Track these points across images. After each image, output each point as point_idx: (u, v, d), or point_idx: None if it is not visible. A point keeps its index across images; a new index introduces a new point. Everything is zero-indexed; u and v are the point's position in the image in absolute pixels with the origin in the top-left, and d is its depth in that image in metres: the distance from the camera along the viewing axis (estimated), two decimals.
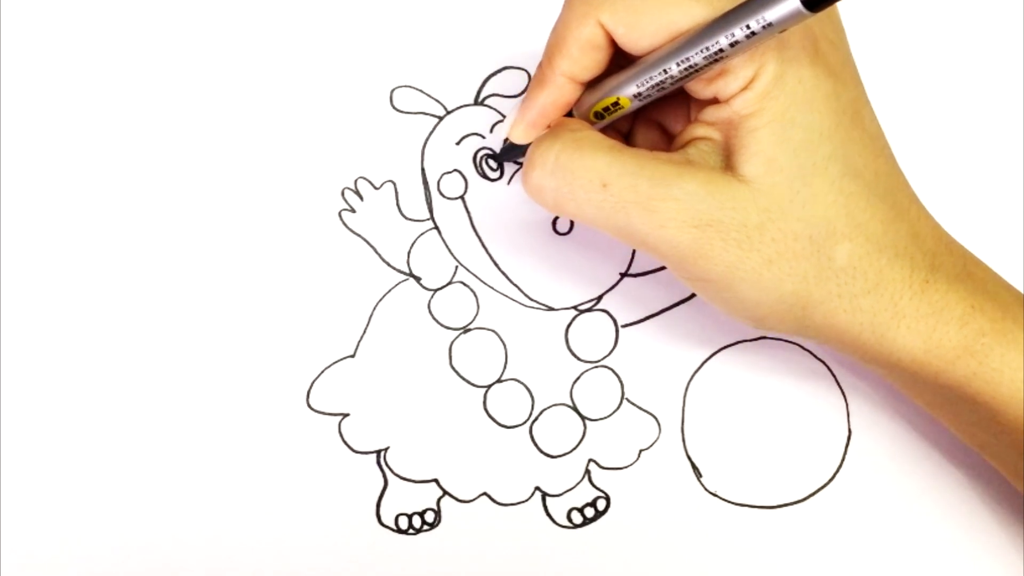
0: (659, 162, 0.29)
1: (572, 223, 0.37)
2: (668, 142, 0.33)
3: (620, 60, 0.31)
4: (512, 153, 0.36)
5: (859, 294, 0.30)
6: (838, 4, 0.30)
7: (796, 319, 0.31)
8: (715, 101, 0.30)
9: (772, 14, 0.26)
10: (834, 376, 0.37)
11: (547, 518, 0.36)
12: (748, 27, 0.27)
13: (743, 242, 0.29)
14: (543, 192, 0.30)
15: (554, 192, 0.30)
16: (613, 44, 0.30)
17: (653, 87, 0.30)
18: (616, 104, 0.31)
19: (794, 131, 0.29)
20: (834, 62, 0.30)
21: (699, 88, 0.30)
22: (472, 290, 0.37)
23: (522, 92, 0.38)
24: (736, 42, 0.27)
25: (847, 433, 0.37)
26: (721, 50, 0.27)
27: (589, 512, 0.37)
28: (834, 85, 0.29)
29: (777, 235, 0.29)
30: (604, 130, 0.33)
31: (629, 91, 0.30)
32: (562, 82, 0.31)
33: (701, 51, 0.28)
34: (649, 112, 0.33)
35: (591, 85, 0.32)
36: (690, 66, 0.28)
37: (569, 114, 0.32)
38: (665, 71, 0.29)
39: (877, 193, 0.30)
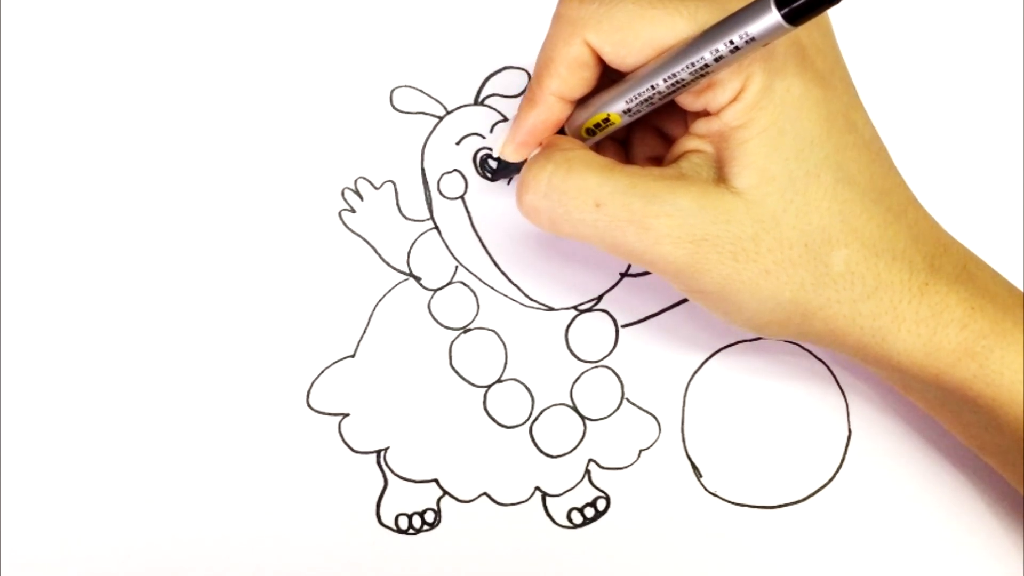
0: (651, 178, 0.30)
1: None
2: (666, 147, 0.33)
3: (610, 75, 0.31)
4: (508, 169, 0.36)
5: (858, 299, 0.30)
6: (827, 10, 0.30)
7: (796, 326, 0.31)
8: (705, 113, 0.30)
9: (754, 29, 0.26)
10: (834, 376, 0.37)
11: (547, 518, 0.36)
12: (731, 42, 0.27)
13: (738, 254, 0.29)
14: (538, 214, 0.31)
15: (549, 213, 0.30)
16: (601, 62, 0.30)
17: (642, 103, 0.30)
18: (607, 120, 0.31)
19: (785, 140, 0.29)
20: (823, 68, 0.30)
21: (689, 101, 0.30)
22: (472, 290, 0.37)
23: (522, 92, 0.38)
24: (720, 57, 0.27)
25: (847, 433, 0.37)
26: (706, 65, 0.28)
27: (589, 512, 0.37)
28: (824, 92, 0.29)
29: (772, 245, 0.29)
30: (602, 139, 0.33)
31: (619, 107, 0.31)
32: (552, 101, 0.31)
33: (687, 67, 0.28)
34: (646, 119, 0.33)
35: (581, 101, 0.32)
36: (677, 81, 0.29)
37: (561, 131, 0.32)
38: (653, 87, 0.29)
39: (872, 197, 0.30)
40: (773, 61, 0.29)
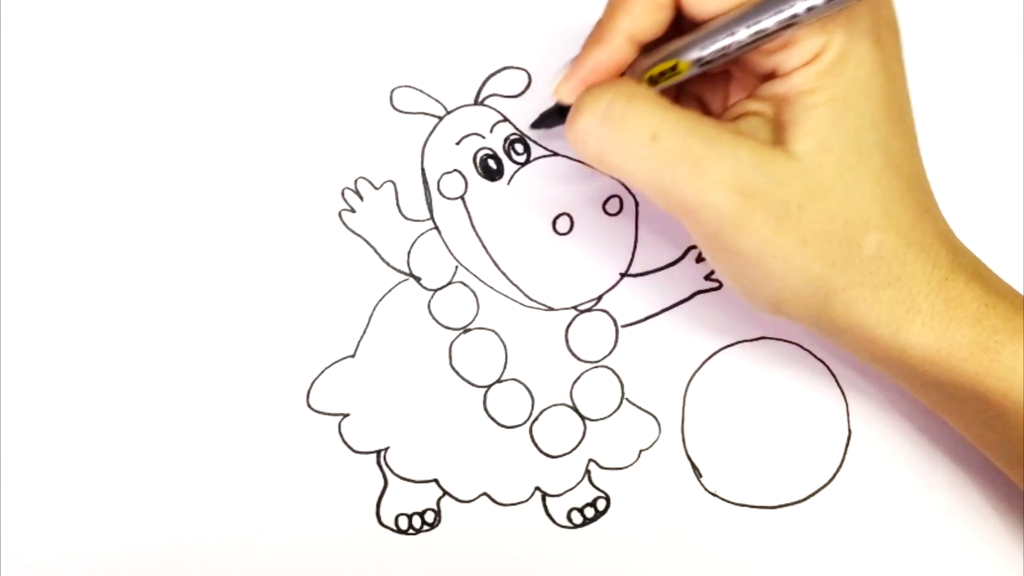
0: (712, 126, 0.29)
1: (572, 223, 0.37)
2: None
3: (679, 27, 0.30)
4: (549, 121, 0.35)
5: (880, 285, 0.30)
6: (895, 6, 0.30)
7: (816, 307, 0.31)
8: (771, 76, 0.29)
9: None
10: (834, 376, 0.37)
11: (547, 518, 0.36)
12: None
13: (782, 218, 0.29)
14: (588, 140, 0.29)
15: (600, 141, 0.29)
16: (676, 6, 0.29)
17: (717, 52, 0.29)
18: (673, 69, 0.30)
19: (848, 115, 0.29)
20: (891, 56, 0.30)
21: (759, 60, 0.29)
22: (472, 290, 0.37)
23: (522, 92, 0.38)
24: (813, 7, 0.26)
25: (847, 433, 0.37)
26: (796, 15, 0.27)
27: (589, 512, 0.37)
28: (888, 78, 0.30)
29: (816, 215, 0.29)
30: None
31: (691, 55, 0.29)
32: (620, 41, 0.30)
33: (774, 14, 0.27)
34: (690, 87, 0.32)
35: (646, 50, 0.31)
36: (760, 30, 0.28)
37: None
38: (732, 34, 0.28)
39: (911, 190, 0.30)
40: (853, 29, 0.28)
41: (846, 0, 0.26)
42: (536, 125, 0.35)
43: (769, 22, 0.27)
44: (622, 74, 0.31)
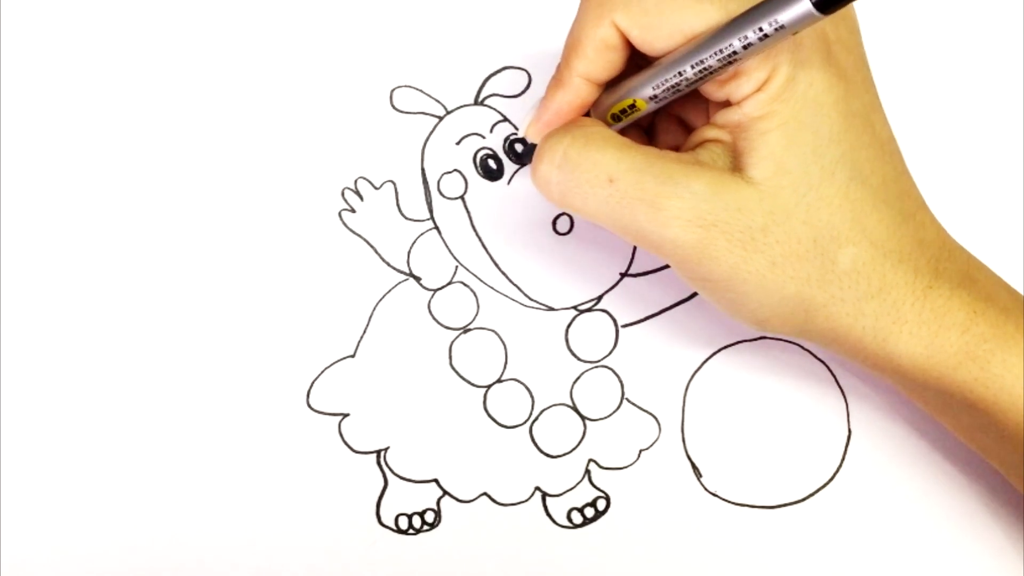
0: (667, 160, 0.30)
1: (572, 223, 0.37)
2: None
3: (638, 61, 0.31)
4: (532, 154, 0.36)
5: (862, 298, 0.30)
6: (855, 7, 0.30)
7: (798, 323, 0.31)
8: (727, 104, 0.30)
9: (784, 16, 0.26)
10: (834, 376, 0.37)
11: (547, 518, 0.36)
12: (760, 29, 0.27)
13: (747, 243, 0.29)
14: (550, 185, 0.31)
15: (560, 185, 0.30)
16: (629, 45, 0.30)
17: (668, 89, 0.30)
18: (633, 106, 0.31)
19: (803, 135, 0.29)
20: (846, 66, 0.30)
21: (713, 90, 0.30)
22: (472, 290, 0.37)
23: (522, 92, 0.38)
24: (749, 44, 0.27)
25: (847, 433, 0.37)
26: (734, 52, 0.28)
27: (589, 512, 0.37)
28: (845, 90, 0.30)
29: (781, 237, 0.29)
30: (627, 126, 0.33)
31: (645, 93, 0.30)
32: (578, 83, 0.31)
33: (715, 53, 0.28)
34: (672, 109, 0.33)
35: (609, 87, 0.32)
36: (704, 68, 0.29)
37: (587, 116, 0.32)
38: (680, 73, 0.29)
39: (884, 199, 0.30)
40: (799, 53, 0.29)
41: (781, 35, 0.27)
42: (520, 159, 0.37)
43: (711, 60, 0.28)
44: (589, 112, 0.32)
